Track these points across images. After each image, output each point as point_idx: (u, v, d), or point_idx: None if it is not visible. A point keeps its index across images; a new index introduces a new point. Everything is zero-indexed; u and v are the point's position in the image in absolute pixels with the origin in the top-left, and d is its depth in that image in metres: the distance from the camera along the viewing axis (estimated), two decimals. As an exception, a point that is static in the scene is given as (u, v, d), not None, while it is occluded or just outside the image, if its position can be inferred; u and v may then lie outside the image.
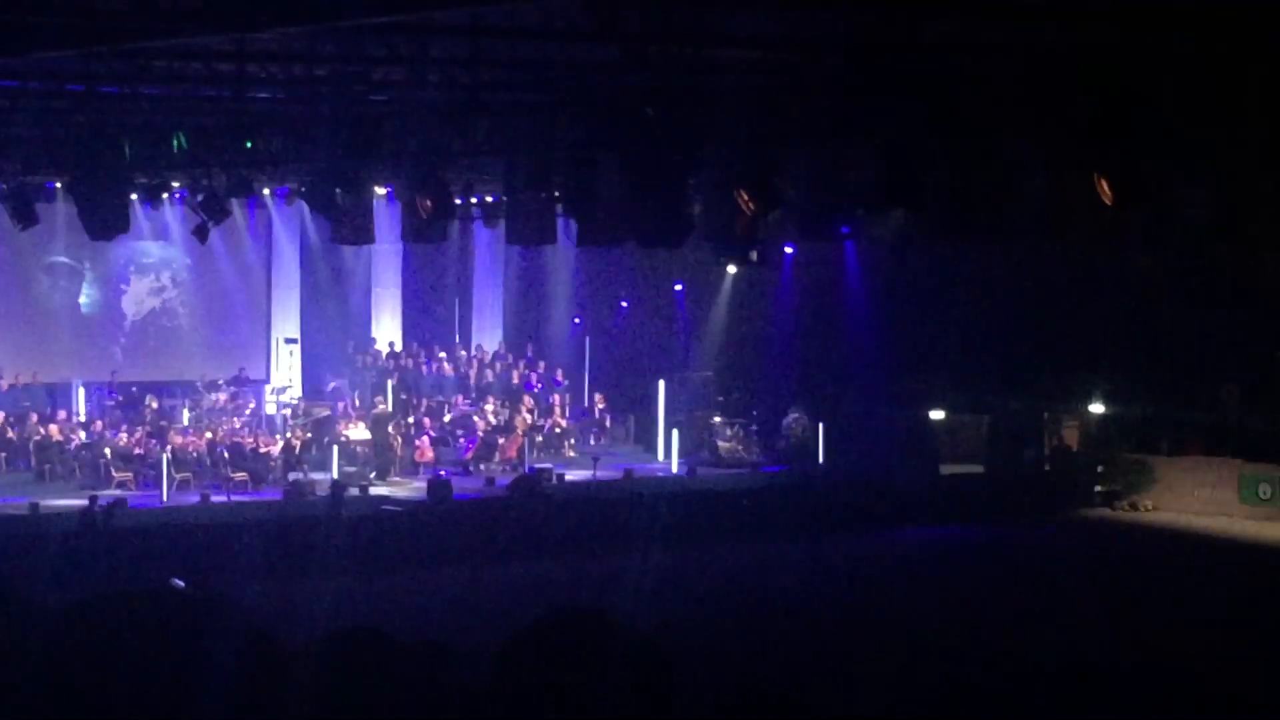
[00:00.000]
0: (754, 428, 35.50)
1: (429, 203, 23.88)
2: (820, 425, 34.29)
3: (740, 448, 34.96)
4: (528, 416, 34.97)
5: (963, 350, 33.24)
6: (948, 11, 17.29)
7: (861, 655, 20.56)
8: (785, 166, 22.07)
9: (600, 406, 37.35)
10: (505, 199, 27.27)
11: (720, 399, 36.47)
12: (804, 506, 30.49)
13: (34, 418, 31.87)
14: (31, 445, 31.07)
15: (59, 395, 33.78)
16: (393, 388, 35.77)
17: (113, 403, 33.97)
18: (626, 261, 35.62)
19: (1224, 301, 31.28)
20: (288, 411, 34.54)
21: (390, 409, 34.31)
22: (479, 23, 17.95)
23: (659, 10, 17.76)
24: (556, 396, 36.64)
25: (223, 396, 34.50)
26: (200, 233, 28.96)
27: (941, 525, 30.84)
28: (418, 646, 5.25)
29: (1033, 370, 33.82)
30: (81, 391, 34.33)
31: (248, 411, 34.49)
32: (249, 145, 25.01)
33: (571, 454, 34.95)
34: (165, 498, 28.86)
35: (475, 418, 34.98)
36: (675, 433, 34.51)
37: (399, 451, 32.72)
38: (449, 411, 35.77)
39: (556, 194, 23.98)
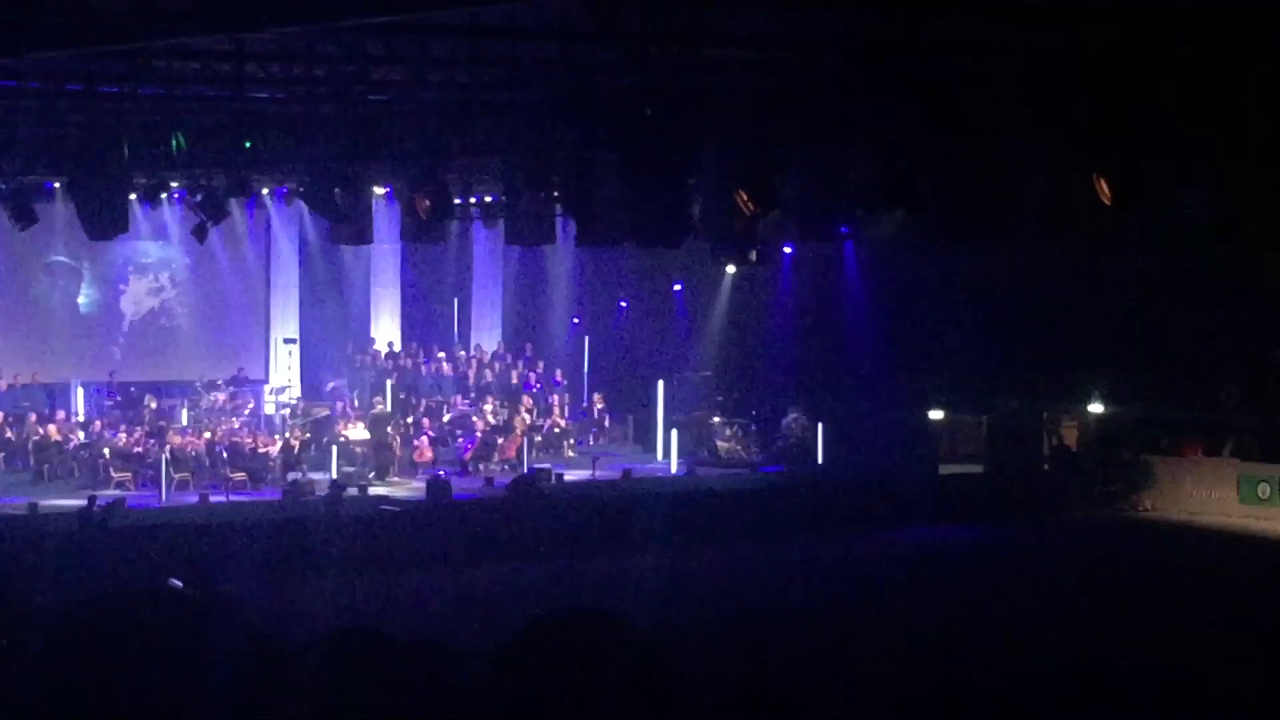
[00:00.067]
0: (753, 427, 35.47)
1: (428, 203, 23.88)
2: (819, 425, 34.27)
3: (739, 447, 34.94)
4: (526, 416, 34.95)
5: (962, 350, 33.22)
6: (948, 11, 17.28)
7: (860, 655, 20.53)
8: (784, 166, 22.07)
9: (599, 406, 37.34)
10: (504, 199, 27.29)
11: (719, 399, 36.44)
12: (803, 506, 30.46)
13: (33, 418, 31.86)
14: (30, 445, 31.06)
15: (58, 395, 33.77)
16: (391, 388, 35.75)
17: (111, 403, 33.95)
18: (626, 261, 35.57)
19: (1224, 301, 31.26)
20: (286, 411, 34.52)
21: (389, 409, 34.29)
22: (478, 23, 17.95)
23: (658, 10, 17.75)
24: (555, 396, 36.63)
25: (221, 396, 34.48)
26: (199, 233, 28.99)
27: (941, 525, 30.82)
28: (417, 646, 5.24)
29: (1032, 370, 33.80)
30: (80, 391, 34.32)
31: (246, 411, 34.47)
32: (248, 145, 25.02)
33: (570, 454, 34.94)
34: (164, 498, 28.84)
35: (474, 418, 34.97)
36: (674, 433, 34.49)
37: (398, 451, 32.69)
38: (448, 411, 35.75)
39: (556, 194, 24.02)
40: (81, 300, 35.61)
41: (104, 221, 24.73)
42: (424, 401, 35.84)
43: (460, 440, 34.48)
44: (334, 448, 31.28)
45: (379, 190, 30.01)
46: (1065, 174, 18.71)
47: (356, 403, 34.83)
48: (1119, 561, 28.19)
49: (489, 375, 37.29)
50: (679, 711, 5.02)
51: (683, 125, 20.73)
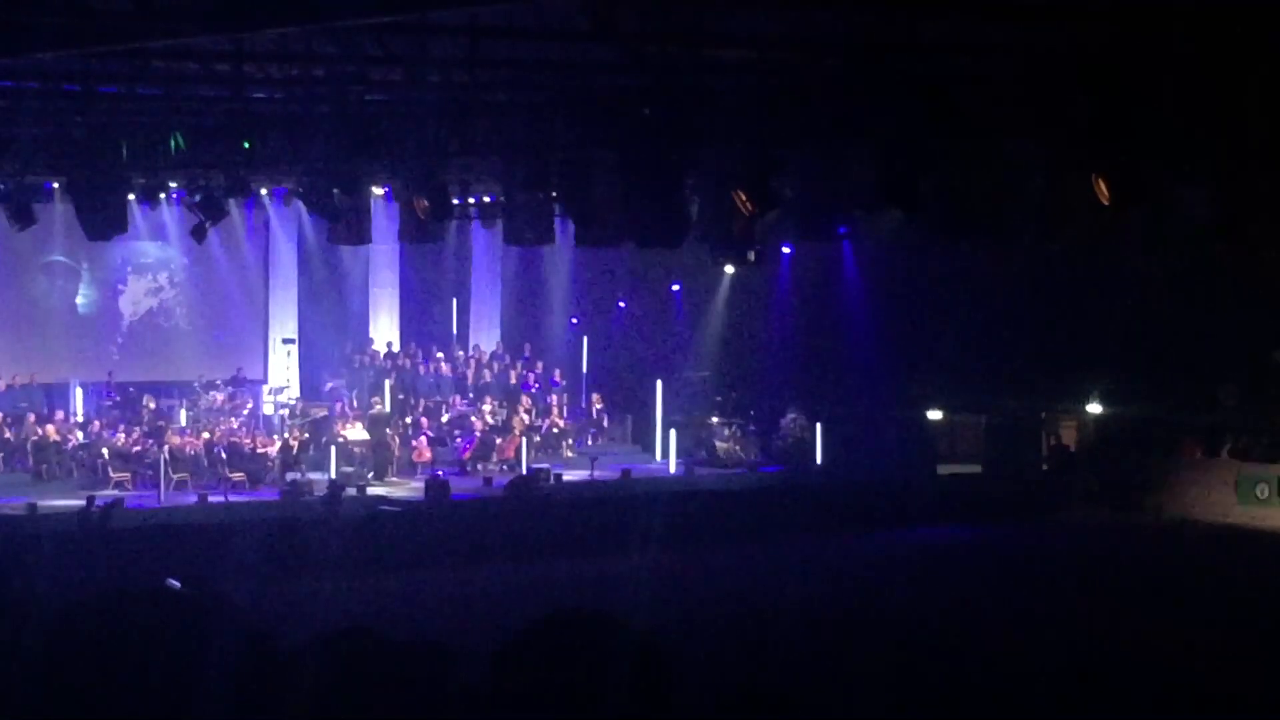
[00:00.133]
0: (752, 428, 35.50)
1: (426, 203, 23.88)
2: (818, 425, 34.29)
3: (738, 448, 34.95)
4: (525, 417, 34.96)
5: (961, 350, 33.22)
6: (947, 11, 17.26)
7: (859, 655, 20.52)
8: (783, 166, 22.06)
9: (598, 406, 37.34)
10: (503, 199, 27.31)
11: (718, 399, 36.46)
12: (802, 507, 30.47)
13: (31, 418, 31.86)
14: (29, 445, 31.05)
15: (56, 395, 33.75)
16: (390, 388, 35.74)
17: (110, 403, 33.94)
18: (624, 262, 35.57)
19: (1223, 302, 31.26)
20: (285, 412, 34.51)
21: (388, 409, 34.29)
22: (477, 23, 17.92)
23: (657, 10, 17.74)
24: (554, 396, 36.62)
25: (220, 396, 34.46)
26: (198, 233, 29.00)
27: (939, 525, 30.82)
28: (415, 646, 5.22)
29: (1031, 370, 33.80)
30: (79, 392, 34.30)
31: (245, 412, 34.47)
32: (247, 145, 25.00)
33: (569, 454, 34.94)
34: (162, 498, 28.86)
35: (473, 418, 34.98)
36: (673, 433, 34.51)
37: (396, 452, 32.71)
38: (446, 412, 35.75)
39: (554, 194, 23.98)
40: (80, 300, 35.59)
41: (103, 221, 24.72)
42: (422, 402, 35.84)
43: (459, 440, 34.49)
44: (333, 448, 31.30)
45: (377, 190, 30.02)
46: (1065, 174, 18.69)
47: (355, 403, 34.82)
48: (1118, 562, 28.18)
49: (487, 375, 37.28)
50: (678, 711, 5.00)
51: (681, 125, 20.71)
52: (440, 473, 31.41)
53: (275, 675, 4.97)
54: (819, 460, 34.07)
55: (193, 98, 23.24)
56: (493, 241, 37.04)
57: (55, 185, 28.82)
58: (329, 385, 35.86)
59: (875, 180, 20.20)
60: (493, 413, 35.17)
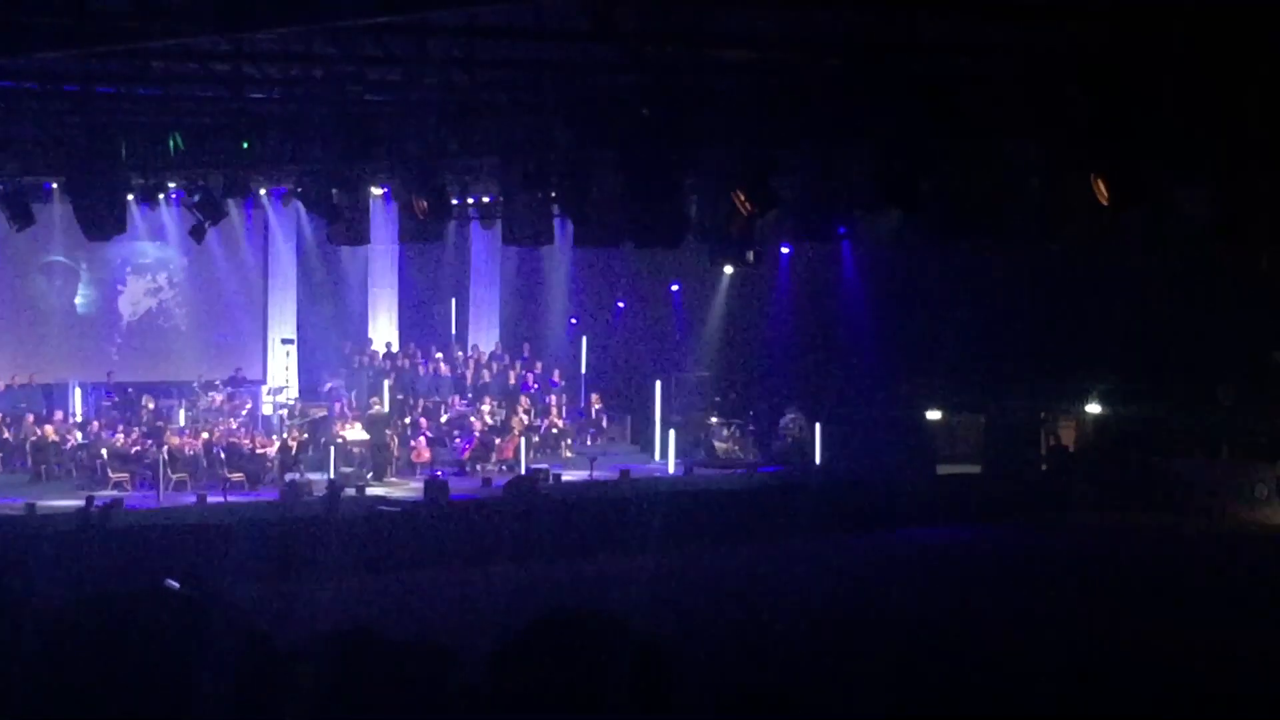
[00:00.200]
0: (751, 428, 35.49)
1: (425, 203, 23.87)
2: (817, 425, 34.27)
3: (737, 448, 34.95)
4: (524, 417, 34.95)
5: (960, 350, 33.20)
6: (947, 11, 17.27)
7: (858, 655, 20.52)
8: (782, 166, 22.07)
9: (597, 407, 37.31)
10: (502, 199, 27.28)
11: (717, 399, 36.45)
12: (801, 507, 30.45)
13: (30, 418, 31.83)
14: (28, 446, 31.04)
15: (55, 396, 33.73)
16: (389, 388, 35.71)
17: (109, 403, 33.92)
18: (623, 262, 35.55)
19: (1223, 301, 31.26)
20: (284, 412, 34.48)
21: (387, 409, 34.26)
22: (475, 23, 17.93)
23: (656, 10, 17.74)
24: (553, 397, 36.60)
25: (219, 397, 34.45)
26: (197, 233, 29.00)
27: (938, 525, 30.81)
28: (414, 647, 5.21)
29: (1030, 370, 33.80)
30: (78, 392, 34.27)
31: (244, 412, 34.44)
32: (246, 146, 25.01)
33: (568, 454, 34.92)
34: (161, 498, 28.83)
35: (472, 418, 34.96)
36: (672, 433, 34.50)
37: (396, 452, 32.69)
38: (446, 412, 35.73)
39: (553, 194, 23.99)
40: (79, 301, 35.57)
41: (102, 222, 24.69)
42: (422, 402, 35.82)
43: (458, 441, 34.47)
44: (332, 448, 31.28)
45: (376, 191, 29.99)
46: (1064, 174, 18.70)
47: (354, 403, 34.79)
48: (1117, 561, 28.18)
49: (486, 376, 37.26)
50: (678, 711, 5.00)
51: (681, 125, 20.71)
52: (439, 473, 31.40)
53: (275, 675, 4.97)
54: (818, 460, 34.05)
55: (192, 98, 23.24)
56: (492, 242, 37.01)
57: (54, 185, 28.82)
58: (328, 385, 35.84)
59: (875, 180, 20.22)
60: (492, 413, 35.16)
